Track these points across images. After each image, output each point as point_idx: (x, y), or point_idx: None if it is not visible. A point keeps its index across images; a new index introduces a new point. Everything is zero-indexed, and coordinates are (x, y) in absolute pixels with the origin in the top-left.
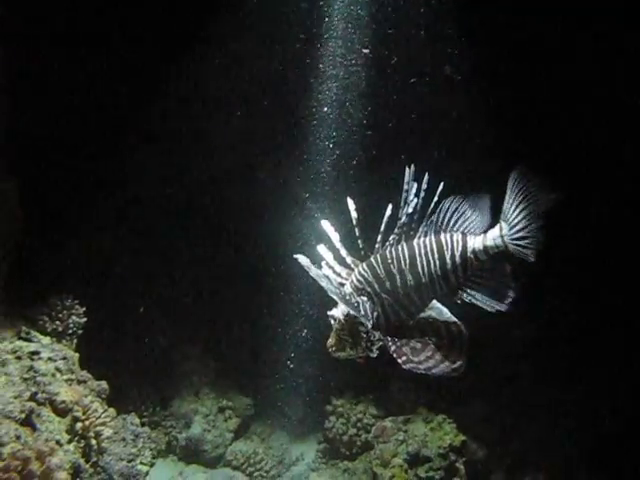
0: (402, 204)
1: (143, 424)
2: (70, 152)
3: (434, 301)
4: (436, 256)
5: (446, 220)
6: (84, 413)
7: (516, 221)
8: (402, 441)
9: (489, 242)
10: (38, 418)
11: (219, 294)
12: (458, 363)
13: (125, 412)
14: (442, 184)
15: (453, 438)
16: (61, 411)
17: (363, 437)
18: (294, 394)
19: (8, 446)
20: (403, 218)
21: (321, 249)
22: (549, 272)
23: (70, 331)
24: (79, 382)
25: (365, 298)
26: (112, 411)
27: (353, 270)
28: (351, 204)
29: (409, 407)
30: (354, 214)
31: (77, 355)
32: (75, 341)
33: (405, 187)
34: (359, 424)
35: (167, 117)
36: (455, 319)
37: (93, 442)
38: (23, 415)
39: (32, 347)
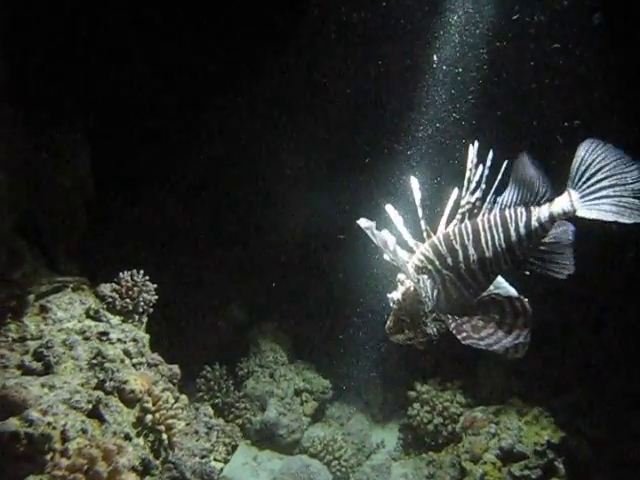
0: (466, 183)
1: (216, 405)
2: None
3: (499, 278)
4: (500, 229)
5: (509, 196)
6: (154, 404)
7: (586, 187)
8: (494, 434)
9: (556, 209)
10: (106, 408)
11: (297, 266)
12: (522, 339)
13: (198, 392)
14: (503, 162)
15: (551, 434)
16: (130, 401)
17: (450, 427)
18: (374, 377)
19: (74, 441)
20: (467, 197)
21: (389, 209)
22: None
23: (140, 309)
24: (149, 366)
25: (426, 276)
26: (184, 399)
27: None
28: (415, 183)
29: (499, 396)
30: (417, 194)
31: (147, 336)
32: (145, 320)
33: (469, 165)
34: (445, 413)
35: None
36: (520, 296)
37: (164, 436)
38: (90, 406)
39: (101, 327)
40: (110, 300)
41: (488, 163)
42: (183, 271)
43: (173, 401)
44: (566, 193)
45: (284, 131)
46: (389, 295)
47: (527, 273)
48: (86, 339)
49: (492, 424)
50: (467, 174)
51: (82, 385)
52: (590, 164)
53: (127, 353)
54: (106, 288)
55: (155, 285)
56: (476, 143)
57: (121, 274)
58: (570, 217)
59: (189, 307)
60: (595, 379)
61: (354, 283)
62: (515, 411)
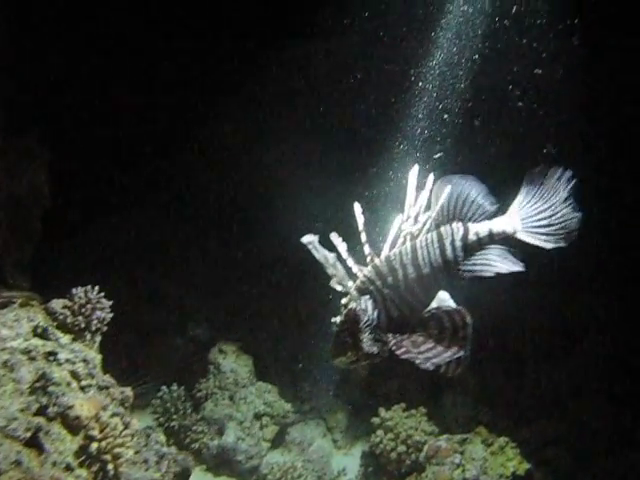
0: (407, 208)
1: (172, 428)
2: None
3: (444, 294)
4: (436, 245)
5: (448, 212)
6: (101, 430)
7: (529, 210)
8: (458, 465)
9: (497, 228)
10: (47, 437)
11: (261, 286)
12: (461, 352)
13: (154, 414)
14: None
15: (517, 465)
16: (74, 428)
17: (414, 456)
18: (338, 401)
19: (6, 475)
20: (408, 221)
21: (334, 238)
22: None
23: (93, 328)
24: (100, 388)
25: (367, 296)
26: (135, 424)
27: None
28: (357, 208)
29: (465, 424)
30: (360, 219)
31: (99, 357)
32: (98, 339)
33: (410, 190)
34: (409, 441)
35: None
36: (459, 308)
37: (109, 466)
38: (29, 434)
39: (49, 346)
40: (61, 317)
41: (429, 186)
42: (143, 286)
43: (122, 427)
44: (508, 214)
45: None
46: (332, 319)
47: (463, 280)
48: (31, 359)
49: (457, 454)
50: (408, 199)
51: (22, 411)
52: (537, 191)
53: (75, 375)
54: (57, 304)
55: (110, 302)
56: (416, 167)
57: (74, 290)
58: (507, 238)
59: (148, 324)
60: (563, 410)
61: (320, 301)
62: (481, 441)
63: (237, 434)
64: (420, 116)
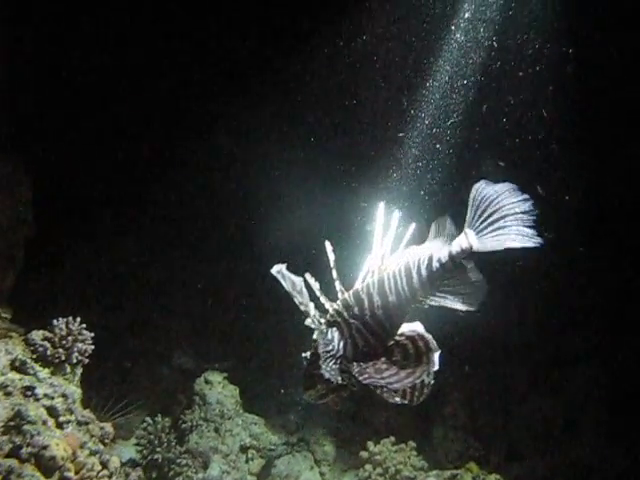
0: (376, 243)
1: (156, 461)
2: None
3: (416, 325)
4: (403, 274)
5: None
6: (77, 472)
7: (480, 224)
8: None
9: (454, 248)
10: (18, 479)
11: (248, 313)
12: (424, 377)
13: (137, 446)
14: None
15: None
16: (49, 469)
17: None
18: (326, 433)
19: None
20: (376, 257)
21: (308, 277)
22: None
23: (74, 360)
24: (79, 424)
25: (335, 329)
26: (115, 462)
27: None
28: (328, 245)
29: (456, 459)
30: (332, 256)
31: (79, 391)
32: (80, 371)
33: (378, 226)
34: (398, 476)
35: None
36: (424, 334)
37: None
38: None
39: (26, 381)
40: (40, 349)
41: (396, 223)
42: (127, 314)
43: (100, 468)
44: (462, 233)
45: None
46: (303, 354)
47: (427, 306)
48: (7, 395)
49: None
50: (375, 235)
51: None
52: (481, 202)
53: (53, 411)
54: (37, 336)
55: (92, 334)
56: (382, 204)
57: (55, 321)
58: (469, 254)
59: (132, 353)
60: (556, 445)
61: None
62: (471, 477)
63: (222, 467)
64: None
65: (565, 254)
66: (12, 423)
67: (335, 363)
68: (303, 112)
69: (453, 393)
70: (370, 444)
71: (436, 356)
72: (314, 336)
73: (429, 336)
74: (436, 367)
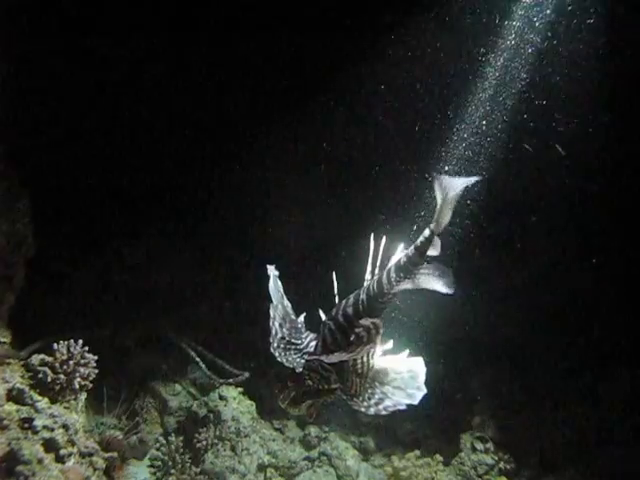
0: (369, 270)
1: None
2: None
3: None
4: (375, 278)
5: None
6: None
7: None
8: None
9: (418, 240)
10: None
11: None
12: (370, 346)
13: (150, 468)
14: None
15: None
16: None
17: None
18: (349, 445)
19: None
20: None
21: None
22: None
23: (77, 385)
24: (82, 456)
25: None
26: None
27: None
28: (334, 277)
29: (485, 473)
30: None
31: (82, 419)
32: (83, 397)
33: (371, 254)
34: None
35: None
36: (375, 320)
37: None
38: None
39: (24, 412)
40: (40, 376)
41: (382, 248)
42: (138, 330)
43: None
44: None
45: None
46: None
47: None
48: (3, 429)
49: None
50: (369, 263)
51: None
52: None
53: (53, 444)
54: (36, 361)
55: (95, 357)
56: (372, 235)
57: (55, 345)
58: (432, 240)
59: (146, 369)
60: (589, 458)
61: None
62: None
63: None
64: None
65: (595, 252)
66: (4, 465)
67: (297, 355)
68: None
69: (481, 402)
70: (394, 459)
71: (419, 390)
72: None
73: (378, 320)
74: (416, 400)
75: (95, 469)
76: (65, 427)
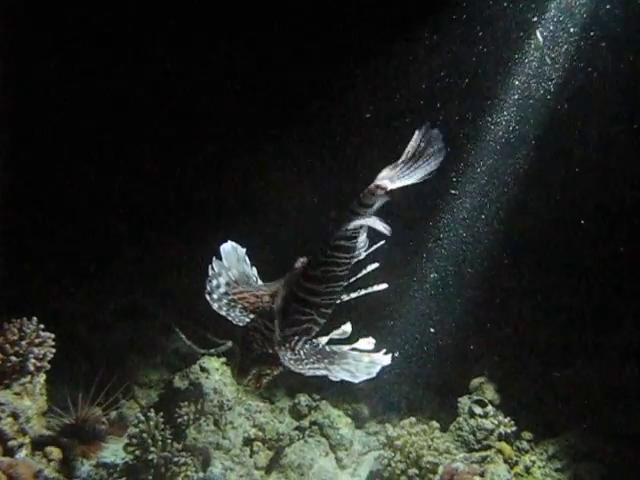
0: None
1: (151, 461)
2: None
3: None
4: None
5: None
6: None
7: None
8: None
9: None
10: None
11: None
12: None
13: (128, 446)
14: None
15: None
16: None
17: (427, 478)
18: (341, 413)
19: None
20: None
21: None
22: None
23: (31, 367)
24: (36, 446)
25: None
26: None
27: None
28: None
29: (484, 438)
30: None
31: (37, 405)
32: (41, 379)
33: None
34: (421, 462)
35: None
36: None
37: None
38: None
39: None
40: None
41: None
42: (117, 302)
43: None
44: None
45: None
46: None
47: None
48: None
49: (476, 477)
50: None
51: None
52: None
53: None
54: None
55: (52, 335)
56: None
57: (6, 324)
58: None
59: (125, 342)
60: (596, 418)
61: None
62: (503, 460)
63: (225, 464)
64: None
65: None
66: None
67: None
68: None
69: (479, 363)
70: (389, 427)
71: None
72: None
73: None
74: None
75: (50, 460)
76: (14, 416)
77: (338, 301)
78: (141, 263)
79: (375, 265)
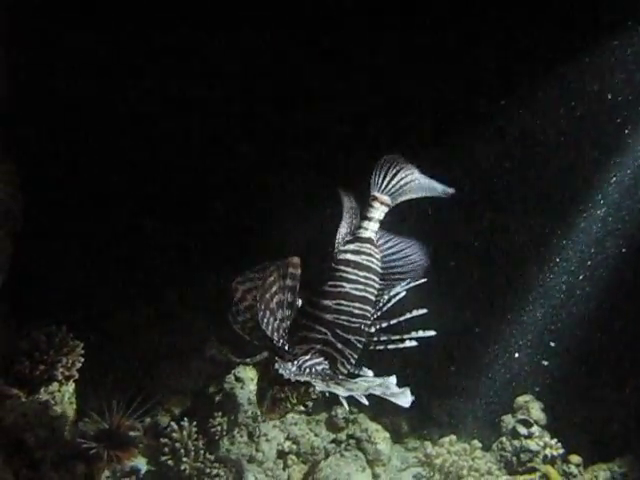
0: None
1: (183, 472)
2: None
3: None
4: None
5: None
6: None
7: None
8: None
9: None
10: None
11: None
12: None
13: (161, 455)
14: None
15: None
16: None
17: None
18: (379, 427)
19: None
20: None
21: None
22: None
23: (59, 375)
24: (59, 459)
25: None
26: None
27: None
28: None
29: (529, 460)
30: None
31: (64, 415)
32: (69, 388)
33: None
34: None
35: None
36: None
37: None
38: None
39: None
40: (19, 367)
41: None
42: (150, 307)
43: None
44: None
45: None
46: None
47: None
48: None
49: None
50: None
51: None
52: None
53: None
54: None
55: (81, 343)
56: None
57: (34, 332)
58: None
59: (158, 348)
60: None
61: None
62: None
63: (258, 477)
64: None
65: None
66: None
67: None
68: None
69: (527, 378)
70: (428, 445)
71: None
72: None
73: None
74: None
75: (75, 475)
76: (40, 426)
77: (366, 328)
78: (176, 266)
79: (423, 311)
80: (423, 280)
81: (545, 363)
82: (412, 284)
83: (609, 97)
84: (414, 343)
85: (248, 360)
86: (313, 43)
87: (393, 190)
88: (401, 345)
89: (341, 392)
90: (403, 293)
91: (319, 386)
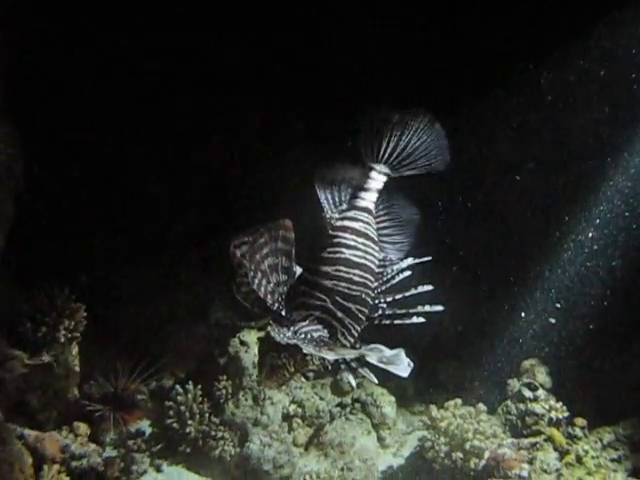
0: None
1: (188, 435)
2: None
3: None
4: None
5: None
6: None
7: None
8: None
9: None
10: None
11: None
12: None
13: (166, 419)
14: None
15: None
16: None
17: (472, 464)
18: (385, 391)
19: None
20: None
21: None
22: None
23: (61, 338)
24: (62, 420)
25: None
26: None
27: None
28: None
29: (534, 423)
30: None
31: (67, 377)
32: (73, 351)
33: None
34: (466, 446)
35: None
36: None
37: None
38: None
39: None
40: (21, 329)
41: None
42: (154, 270)
43: None
44: None
45: None
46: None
47: None
48: None
49: (524, 464)
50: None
51: None
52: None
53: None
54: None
55: (84, 306)
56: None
57: (37, 293)
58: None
59: (164, 311)
60: None
61: None
62: (553, 448)
63: (263, 440)
64: None
65: None
66: None
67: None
68: None
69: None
70: (433, 408)
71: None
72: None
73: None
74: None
75: (77, 435)
76: (42, 387)
77: (370, 300)
78: (180, 231)
79: (429, 287)
80: (427, 258)
81: (552, 321)
82: (417, 261)
83: None
84: (421, 319)
85: (253, 324)
86: None
87: (392, 160)
88: (408, 321)
89: (331, 357)
90: (408, 272)
91: (308, 349)
